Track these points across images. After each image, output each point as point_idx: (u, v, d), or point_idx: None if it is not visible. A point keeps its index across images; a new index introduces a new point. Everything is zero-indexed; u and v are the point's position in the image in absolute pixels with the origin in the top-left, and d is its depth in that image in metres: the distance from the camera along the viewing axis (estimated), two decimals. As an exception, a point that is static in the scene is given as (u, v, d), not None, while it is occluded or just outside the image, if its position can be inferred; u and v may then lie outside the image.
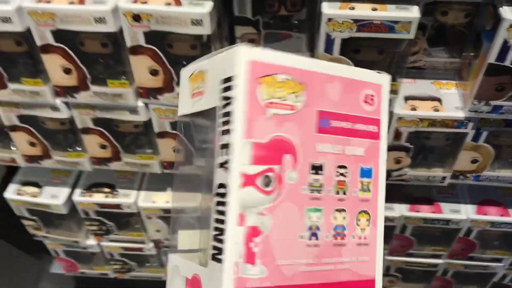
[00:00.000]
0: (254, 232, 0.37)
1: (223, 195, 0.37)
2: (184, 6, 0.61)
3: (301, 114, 0.39)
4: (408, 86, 0.75)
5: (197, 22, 0.61)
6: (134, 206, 0.97)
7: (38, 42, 0.66)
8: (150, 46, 0.65)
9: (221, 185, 0.37)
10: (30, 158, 0.87)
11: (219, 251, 0.36)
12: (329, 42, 0.62)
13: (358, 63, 0.58)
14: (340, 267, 0.41)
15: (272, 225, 0.38)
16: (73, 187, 0.99)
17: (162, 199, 0.98)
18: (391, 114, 0.72)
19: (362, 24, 0.60)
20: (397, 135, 0.75)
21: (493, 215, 0.93)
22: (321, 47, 0.63)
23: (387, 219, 0.94)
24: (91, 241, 1.10)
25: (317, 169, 0.40)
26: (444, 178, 0.83)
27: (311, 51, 0.70)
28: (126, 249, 1.11)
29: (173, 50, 0.66)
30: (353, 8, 0.61)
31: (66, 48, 0.66)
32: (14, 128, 0.82)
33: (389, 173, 0.82)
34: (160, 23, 0.62)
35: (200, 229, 0.45)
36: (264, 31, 0.70)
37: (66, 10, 0.62)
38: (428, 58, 0.75)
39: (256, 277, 0.37)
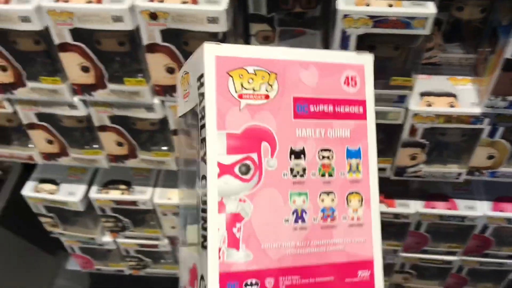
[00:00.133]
0: (235, 218, 0.38)
1: (204, 186, 0.38)
2: (200, 4, 0.62)
3: (275, 103, 0.40)
4: (424, 82, 0.75)
5: (213, 20, 0.61)
6: (150, 203, 0.98)
7: (56, 41, 0.67)
8: (166, 44, 0.65)
9: (203, 177, 0.39)
10: (48, 156, 0.89)
11: (205, 238, 0.38)
12: (345, 38, 0.62)
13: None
14: (332, 249, 0.42)
15: (253, 211, 0.39)
16: (90, 184, 1.00)
17: (177, 196, 0.98)
18: (406, 110, 0.72)
19: (378, 20, 0.60)
20: (413, 131, 0.75)
21: (509, 211, 0.92)
22: (336, 44, 0.63)
23: (401, 216, 0.94)
24: (107, 238, 1.11)
25: (297, 154, 0.41)
26: (459, 174, 0.82)
27: (326, 48, 0.70)
28: (141, 245, 1.12)
29: (189, 48, 0.66)
30: (368, 4, 0.61)
31: (83, 46, 0.67)
32: (32, 125, 0.83)
33: (404, 169, 0.82)
34: (177, 21, 0.62)
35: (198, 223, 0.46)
36: (278, 28, 0.70)
37: (84, 9, 0.63)
38: (444, 54, 0.75)
39: (241, 261, 0.38)
